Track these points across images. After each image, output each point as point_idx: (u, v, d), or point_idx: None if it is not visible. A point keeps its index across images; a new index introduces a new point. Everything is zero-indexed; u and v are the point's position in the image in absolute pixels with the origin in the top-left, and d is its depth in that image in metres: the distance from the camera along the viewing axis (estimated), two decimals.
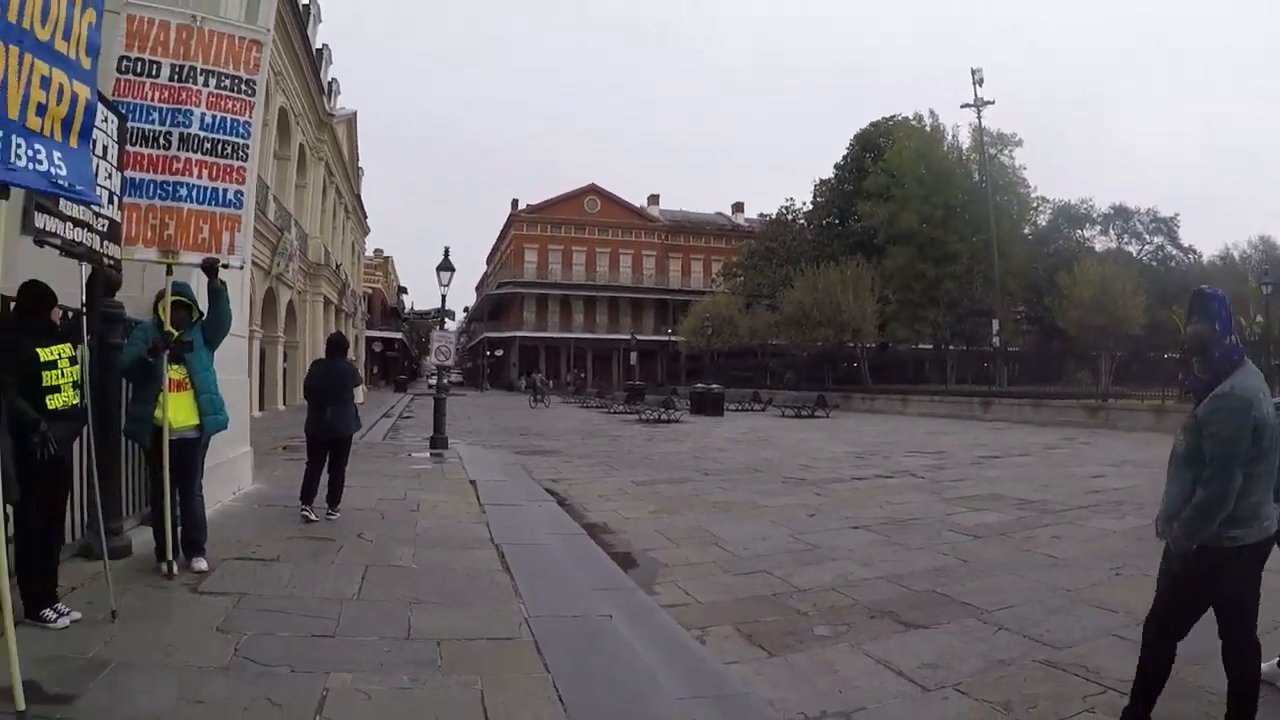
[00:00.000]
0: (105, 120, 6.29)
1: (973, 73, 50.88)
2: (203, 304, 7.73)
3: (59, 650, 5.18)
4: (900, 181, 55.69)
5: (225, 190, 7.89)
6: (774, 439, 26.60)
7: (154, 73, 7.56)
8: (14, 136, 4.08)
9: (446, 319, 25.28)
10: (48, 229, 5.65)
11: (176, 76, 7.64)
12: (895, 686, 5.54)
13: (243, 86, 8.00)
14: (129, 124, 7.27)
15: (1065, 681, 5.37)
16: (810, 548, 9.87)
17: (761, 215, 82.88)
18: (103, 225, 6.46)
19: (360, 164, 61.93)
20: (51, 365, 5.60)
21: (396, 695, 4.87)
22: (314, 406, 10.33)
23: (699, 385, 47.72)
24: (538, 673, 5.38)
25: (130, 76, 7.46)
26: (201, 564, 7.38)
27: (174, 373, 7.24)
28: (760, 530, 10.90)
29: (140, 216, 7.49)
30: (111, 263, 6.81)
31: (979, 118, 53.24)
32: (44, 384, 5.53)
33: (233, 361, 10.09)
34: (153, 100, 7.54)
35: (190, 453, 7.45)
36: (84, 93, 4.64)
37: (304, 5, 36.90)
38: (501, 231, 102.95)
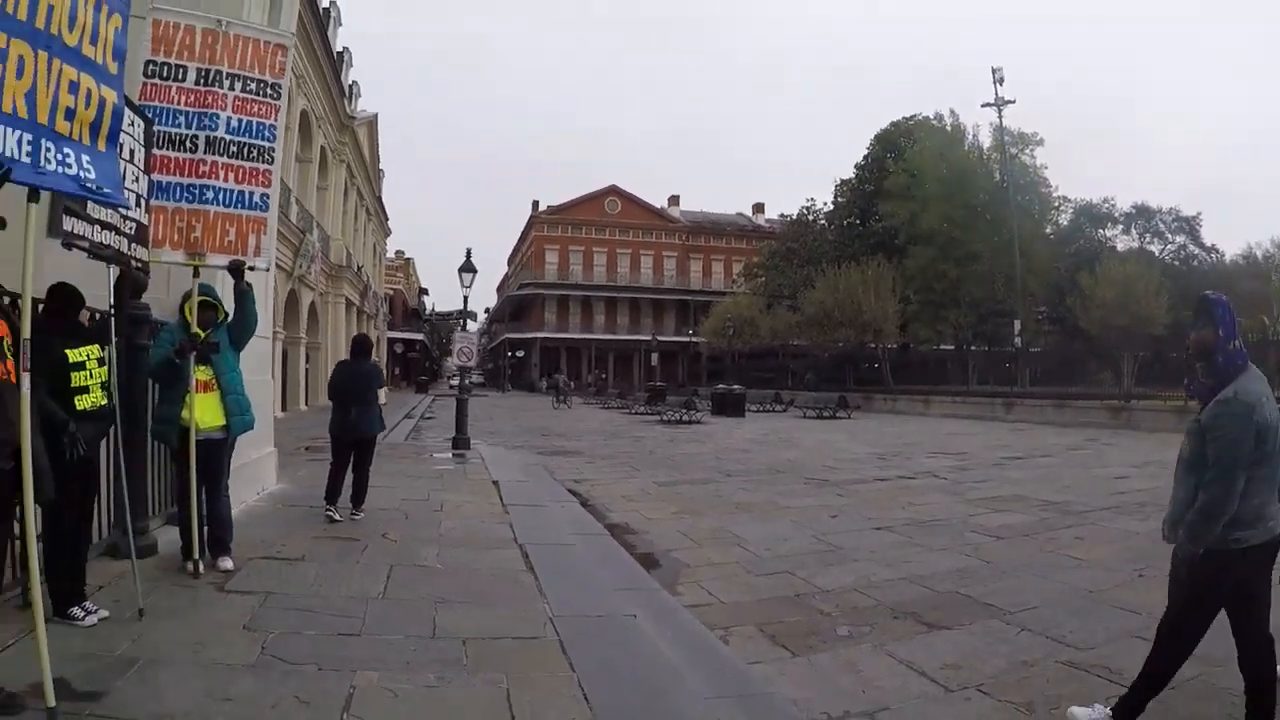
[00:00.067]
0: (132, 124, 6.34)
1: (993, 72, 50.67)
2: (228, 305, 7.78)
3: (87, 648, 5.22)
4: (921, 181, 55.34)
5: (251, 193, 7.95)
6: (796, 440, 26.57)
7: (180, 77, 7.62)
8: (44, 140, 4.12)
9: (468, 320, 25.32)
10: (76, 232, 5.70)
11: (203, 80, 7.70)
12: (918, 687, 5.53)
13: (268, 90, 8.06)
14: (156, 128, 7.34)
15: (1088, 682, 5.36)
16: (833, 548, 9.86)
17: (782, 216, 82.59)
18: (130, 228, 6.52)
19: (381, 166, 62.08)
20: (80, 366, 5.66)
21: (423, 693, 4.90)
22: (338, 407, 10.38)
23: (720, 386, 47.63)
24: (563, 671, 5.40)
25: (157, 81, 7.52)
26: (227, 563, 7.43)
27: (201, 374, 7.30)
28: (783, 531, 10.90)
29: (167, 219, 7.56)
30: (139, 265, 6.86)
31: (1000, 117, 53.00)
32: (73, 385, 5.59)
33: (257, 362, 10.15)
34: (179, 104, 7.60)
35: (217, 453, 7.51)
36: (111, 97, 4.68)
37: (324, 8, 37.02)
38: (522, 233, 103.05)
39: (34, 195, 4.20)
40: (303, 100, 31.37)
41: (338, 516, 9.95)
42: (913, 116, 65.29)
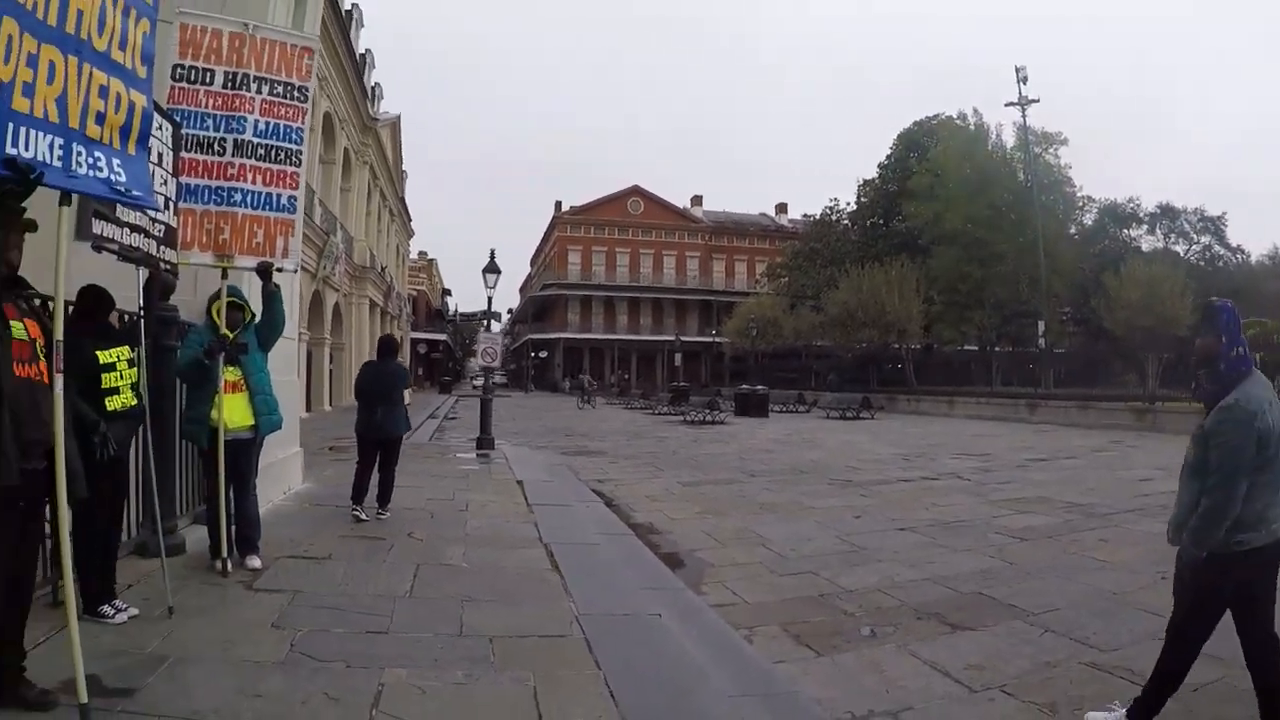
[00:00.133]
0: (160, 128, 6.38)
1: (1017, 70, 50.17)
2: (255, 307, 7.84)
3: (118, 645, 5.28)
4: (945, 181, 55.01)
5: (279, 195, 8.01)
6: (819, 440, 26.53)
7: (208, 80, 7.68)
8: (75, 144, 4.15)
9: (492, 321, 25.37)
10: (105, 235, 5.75)
11: (230, 84, 7.75)
12: (942, 687, 5.54)
13: (295, 93, 8.11)
14: (184, 131, 7.40)
15: (1111, 684, 5.35)
16: (856, 549, 9.87)
17: (805, 216, 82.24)
18: (159, 230, 6.57)
19: (404, 167, 62.26)
20: (110, 368, 5.72)
21: (451, 690, 4.94)
22: (364, 407, 10.42)
23: (744, 387, 47.60)
24: (589, 669, 5.43)
25: (185, 84, 7.58)
26: (255, 562, 7.49)
27: (229, 374, 7.36)
28: (806, 531, 10.91)
29: (196, 221, 7.62)
30: (168, 267, 6.92)
31: (1024, 116, 52.45)
32: (103, 386, 5.65)
33: (283, 363, 10.21)
34: (207, 107, 7.67)
35: (245, 452, 7.58)
36: (140, 100, 4.72)
37: (346, 11, 37.17)
38: (545, 233, 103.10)
39: (65, 199, 4.23)
40: (326, 102, 31.52)
41: (364, 516, 10.02)
42: (936, 116, 65.00)
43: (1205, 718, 4.77)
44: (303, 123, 8.19)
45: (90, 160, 4.27)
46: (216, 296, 7.59)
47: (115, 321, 6.02)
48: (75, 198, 4.47)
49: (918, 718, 5.07)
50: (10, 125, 3.74)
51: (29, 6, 3.84)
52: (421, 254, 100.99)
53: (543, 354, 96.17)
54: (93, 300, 5.76)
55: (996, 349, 58.06)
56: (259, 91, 7.88)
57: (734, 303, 79.77)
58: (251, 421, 7.51)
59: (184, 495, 8.34)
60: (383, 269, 48.28)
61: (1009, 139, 58.72)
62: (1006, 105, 53.14)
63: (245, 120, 7.80)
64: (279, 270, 7.91)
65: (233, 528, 7.52)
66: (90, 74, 4.26)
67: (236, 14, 8.36)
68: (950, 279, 54.34)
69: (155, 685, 4.70)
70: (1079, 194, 63.08)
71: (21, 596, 4.40)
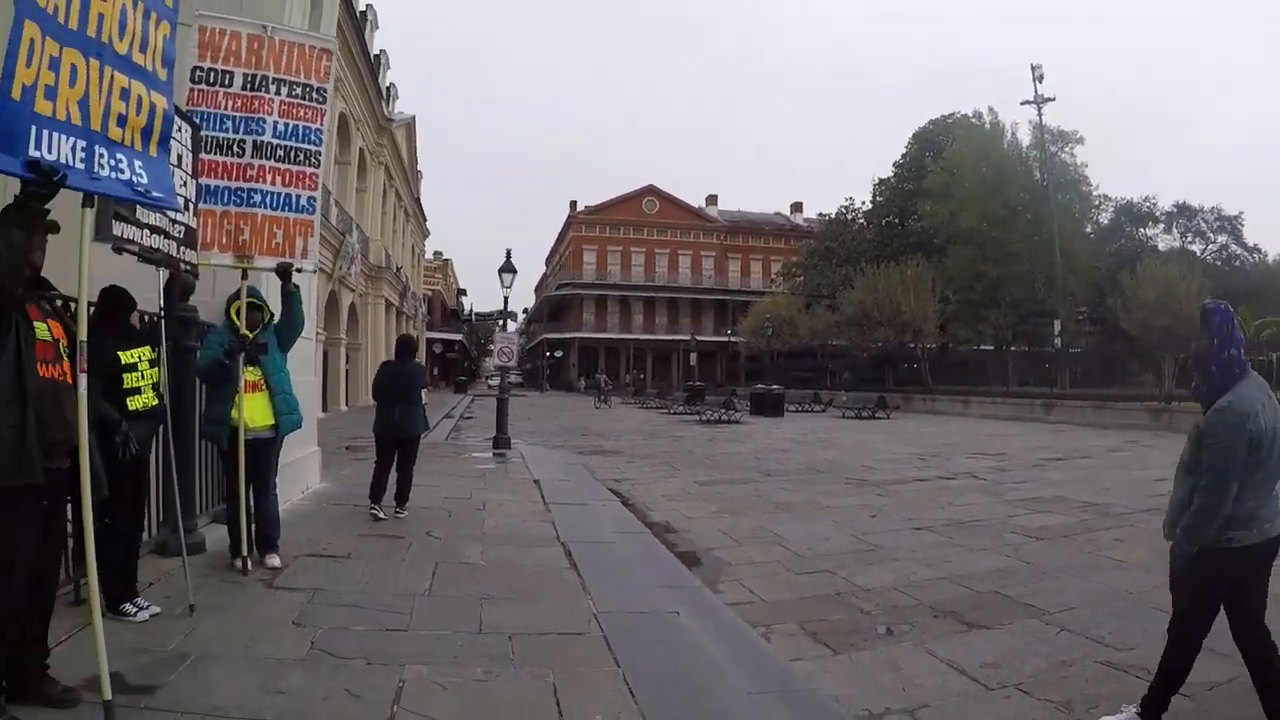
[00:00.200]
0: (179, 130, 6.40)
1: (1033, 69, 49.85)
2: (274, 307, 7.88)
3: (140, 643, 5.32)
4: (960, 180, 54.86)
5: (298, 196, 8.03)
6: (835, 440, 26.52)
7: (227, 82, 7.70)
8: (97, 147, 4.19)
9: (508, 320, 25.42)
10: (125, 236, 5.79)
11: (249, 85, 7.77)
12: (958, 685, 5.55)
13: (313, 94, 8.13)
14: (204, 132, 7.43)
15: (1126, 682, 5.34)
16: (873, 548, 9.87)
17: (821, 215, 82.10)
18: (179, 231, 6.60)
19: (419, 167, 62.36)
20: (132, 368, 5.77)
21: (472, 687, 4.97)
22: (383, 407, 10.47)
23: (759, 386, 47.54)
24: (608, 666, 5.46)
25: (204, 86, 7.61)
26: (275, 560, 7.53)
27: (249, 374, 7.41)
28: (823, 530, 10.91)
29: (216, 222, 7.64)
30: (188, 268, 6.95)
31: (1039, 115, 52.09)
32: (125, 386, 5.70)
33: (301, 363, 10.24)
34: (226, 109, 7.69)
35: (266, 452, 7.63)
36: (161, 103, 4.75)
37: (361, 11, 37.25)
38: (560, 233, 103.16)
39: (88, 200, 4.27)
40: (341, 103, 31.58)
41: (382, 515, 10.07)
42: (951, 114, 64.87)
43: (1219, 716, 4.79)
44: (321, 124, 8.21)
45: (112, 162, 4.31)
46: (236, 297, 7.63)
47: (136, 322, 6.06)
48: (96, 199, 4.50)
49: (934, 715, 5.08)
50: (33, 128, 3.78)
51: (51, 11, 3.88)
52: (437, 254, 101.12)
53: (558, 353, 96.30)
54: (114, 301, 5.80)
55: (1012, 348, 57.87)
56: (278, 93, 7.90)
57: (749, 302, 79.83)
58: (272, 421, 7.56)
59: (203, 494, 8.39)
60: (398, 269, 48.38)
61: (1024, 137, 58.52)
62: (1022, 104, 52.69)
63: (264, 122, 7.82)
64: (298, 271, 7.94)
65: (252, 526, 7.57)
66: (112, 77, 4.30)
67: (253, 16, 8.40)
68: (966, 278, 54.15)
69: (177, 682, 4.74)
70: (1095, 193, 62.89)
71: (45, 595, 4.44)
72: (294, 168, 8.00)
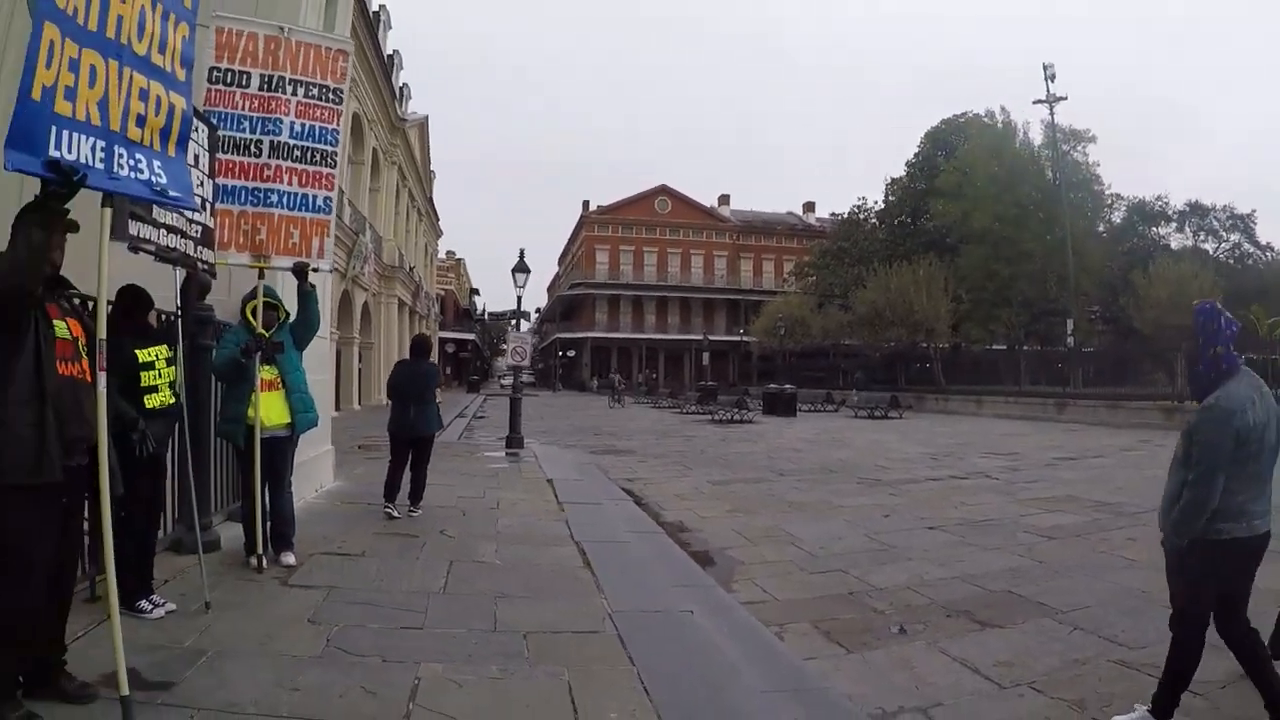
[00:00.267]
0: (196, 130, 6.43)
1: (1044, 68, 49.80)
2: (290, 306, 7.91)
3: (155, 639, 5.35)
4: (972, 179, 54.82)
5: (314, 196, 8.06)
6: (848, 440, 26.49)
7: (244, 83, 7.74)
8: (116, 147, 4.21)
9: (521, 320, 25.46)
10: (141, 235, 5.82)
11: (266, 86, 7.81)
12: (971, 684, 5.56)
13: (330, 95, 8.16)
14: (221, 133, 7.47)
15: (1139, 681, 5.34)
16: (886, 547, 9.87)
17: (833, 214, 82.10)
18: (196, 231, 6.64)
19: (432, 167, 62.40)
20: (150, 366, 5.80)
21: (487, 685, 4.99)
22: (398, 406, 10.49)
23: (771, 386, 47.53)
24: (622, 665, 5.48)
25: (221, 86, 7.64)
26: (290, 558, 7.56)
27: (266, 373, 7.44)
28: (836, 530, 10.91)
29: (233, 222, 7.68)
30: (206, 267, 6.98)
31: (1051, 114, 52.04)
32: (142, 384, 5.73)
33: (316, 362, 10.26)
34: (243, 109, 7.72)
35: (282, 450, 7.65)
36: (180, 103, 4.78)
37: (374, 12, 37.31)
38: (573, 233, 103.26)
39: (107, 200, 4.30)
40: (354, 103, 31.61)
41: (396, 513, 10.09)
42: (964, 114, 64.81)
43: (1231, 713, 4.82)
44: (337, 124, 8.23)
45: (131, 162, 4.34)
46: (251, 296, 7.66)
47: (153, 321, 6.09)
48: (115, 199, 4.52)
49: (947, 714, 5.09)
50: (53, 128, 3.81)
51: (70, 12, 3.90)
52: (450, 253, 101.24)
53: (570, 353, 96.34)
54: (131, 299, 5.81)
55: (1024, 348, 57.73)
56: (294, 94, 7.93)
57: (762, 302, 79.80)
58: (288, 419, 7.59)
59: (218, 492, 8.43)
60: (411, 268, 48.44)
61: (1036, 137, 58.54)
62: (1034, 103, 52.68)
63: (281, 122, 7.85)
64: (315, 270, 7.97)
65: (268, 524, 7.60)
66: (131, 77, 4.33)
67: (268, 17, 8.44)
68: (978, 278, 54.09)
69: (194, 678, 4.77)
70: (1107, 192, 62.77)
71: (62, 591, 4.47)
72: (310, 168, 8.03)
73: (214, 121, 7.29)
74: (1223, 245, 67.77)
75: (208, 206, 6.93)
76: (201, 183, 6.69)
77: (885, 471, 17.62)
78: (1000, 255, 53.32)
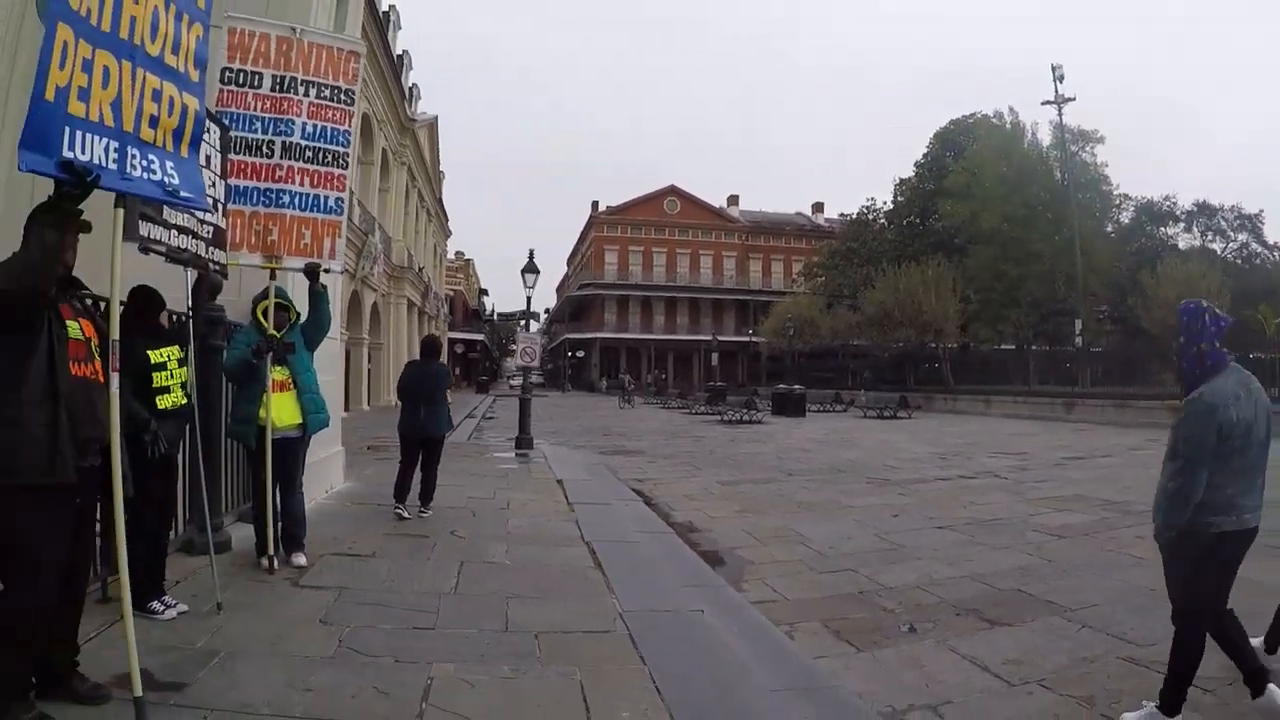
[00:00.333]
0: (208, 131, 6.44)
1: (1053, 69, 49.57)
2: (300, 307, 7.92)
3: (167, 640, 5.37)
4: (981, 180, 54.65)
5: (326, 197, 8.09)
6: (857, 440, 26.46)
7: (256, 83, 7.76)
8: (130, 148, 4.22)
9: (531, 320, 25.46)
10: (152, 236, 5.83)
11: (278, 87, 7.83)
12: (981, 681, 5.57)
13: (342, 96, 8.18)
14: (233, 133, 7.49)
15: (1148, 678, 5.32)
16: (895, 547, 9.86)
17: (842, 215, 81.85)
18: (207, 232, 6.65)
19: (441, 168, 62.42)
20: (161, 367, 5.81)
21: (499, 684, 4.99)
22: (408, 407, 10.51)
23: (780, 386, 47.41)
24: (634, 664, 5.49)
25: (233, 87, 7.67)
26: (301, 559, 7.57)
27: (277, 374, 7.45)
28: (845, 530, 10.90)
29: (245, 223, 7.71)
30: (218, 268, 7.00)
31: (1060, 115, 51.86)
32: (154, 385, 5.74)
33: (327, 363, 10.27)
34: (256, 110, 7.75)
35: (293, 451, 7.68)
36: (193, 104, 4.79)
37: (384, 12, 37.34)
38: (582, 233, 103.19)
39: (120, 201, 4.31)
40: (364, 103, 31.59)
41: (406, 514, 10.11)
42: (972, 115, 64.63)
43: (1238, 709, 4.83)
44: (349, 125, 8.25)
45: (144, 163, 4.34)
46: (262, 297, 7.67)
47: (165, 321, 6.10)
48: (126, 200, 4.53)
49: (957, 711, 5.10)
50: (67, 129, 3.81)
51: (84, 13, 3.91)
52: (459, 254, 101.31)
53: (579, 354, 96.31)
54: (143, 300, 5.83)
55: (1033, 348, 57.58)
56: (306, 94, 7.96)
57: (770, 302, 79.67)
58: (299, 420, 7.61)
59: (230, 493, 8.45)
60: (420, 269, 48.46)
61: (1044, 137, 58.37)
62: (1043, 103, 52.38)
63: (293, 123, 7.88)
64: (326, 271, 7.99)
65: (279, 525, 7.60)
66: (144, 78, 4.33)
67: (278, 17, 8.46)
68: (987, 278, 53.96)
69: (206, 679, 4.78)
70: (1115, 192, 62.73)
71: (75, 592, 4.47)
72: (322, 169, 8.06)
73: (226, 122, 7.32)
74: (1230, 245, 67.85)
75: (219, 207, 6.94)
76: (213, 183, 6.70)
77: (894, 471, 17.61)
78: (1009, 256, 53.18)
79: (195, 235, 6.42)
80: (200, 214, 6.34)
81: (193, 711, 4.33)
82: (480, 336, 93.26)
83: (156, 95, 4.44)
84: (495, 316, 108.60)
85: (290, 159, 7.88)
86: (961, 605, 7.36)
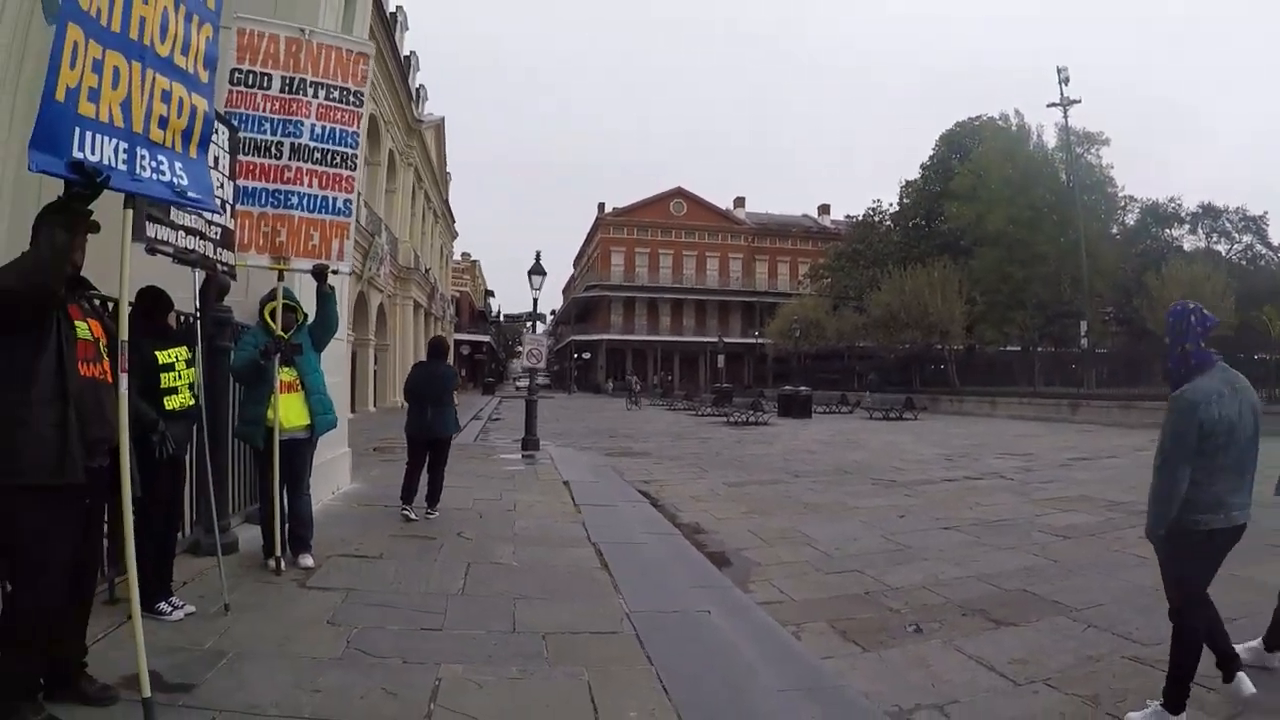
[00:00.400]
0: (217, 132, 6.45)
1: (1058, 71, 49.53)
2: (307, 308, 7.93)
3: (175, 641, 5.37)
4: (987, 182, 54.64)
5: (334, 198, 8.09)
6: (863, 441, 26.46)
7: (265, 84, 7.75)
8: (139, 148, 4.22)
9: (537, 322, 25.47)
10: (159, 237, 5.84)
11: (287, 88, 7.82)
12: (987, 681, 5.58)
13: (350, 98, 8.18)
14: (242, 134, 7.50)
15: (1153, 677, 5.30)
16: (901, 548, 9.87)
17: (848, 217, 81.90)
18: (215, 233, 6.66)
19: (448, 169, 62.46)
20: (169, 367, 5.81)
21: (507, 685, 4.99)
22: (415, 408, 10.50)
23: (786, 388, 47.43)
24: (641, 665, 5.49)
25: (242, 88, 7.66)
26: (308, 560, 7.57)
27: (284, 375, 7.44)
28: (851, 531, 10.90)
29: (253, 224, 7.70)
30: (225, 269, 7.00)
31: (1065, 117, 51.81)
32: (162, 385, 5.74)
33: (334, 364, 10.29)
34: (264, 111, 7.74)
35: (301, 452, 7.67)
36: (202, 105, 4.79)
37: (391, 13, 37.38)
38: (588, 235, 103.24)
39: (130, 201, 4.31)
40: (371, 104, 31.62)
41: (413, 515, 10.11)
42: (978, 117, 64.69)
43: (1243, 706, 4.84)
44: (358, 127, 8.25)
45: (154, 164, 4.35)
46: (270, 298, 7.67)
47: (173, 322, 6.10)
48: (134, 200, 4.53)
49: (963, 711, 5.11)
50: (77, 130, 3.82)
51: (94, 14, 3.91)
52: (465, 255, 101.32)
53: (586, 355, 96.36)
54: (151, 301, 5.83)
55: (1038, 349, 57.53)
56: (315, 96, 7.95)
57: (777, 304, 79.74)
58: (307, 421, 7.59)
59: (237, 494, 8.46)
60: (426, 270, 48.50)
61: (1050, 139, 58.31)
62: (1049, 106, 52.31)
63: (302, 124, 7.87)
64: (334, 272, 7.99)
65: (286, 527, 7.61)
66: (153, 79, 4.33)
67: (286, 18, 8.46)
68: (992, 280, 53.95)
69: (214, 680, 4.78)
70: (1121, 194, 62.74)
71: (83, 593, 4.47)
72: (331, 170, 8.05)
73: (235, 123, 7.33)
74: (1235, 247, 67.75)
75: (228, 208, 6.96)
76: (222, 184, 6.71)
77: (900, 472, 17.61)
78: (1014, 257, 53.16)
79: (203, 236, 6.45)
80: (208, 215, 6.36)
81: (201, 712, 4.33)
82: (486, 338, 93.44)
83: (166, 96, 4.44)
84: (501, 318, 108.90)
85: (299, 160, 7.87)
86: (967, 605, 7.37)
